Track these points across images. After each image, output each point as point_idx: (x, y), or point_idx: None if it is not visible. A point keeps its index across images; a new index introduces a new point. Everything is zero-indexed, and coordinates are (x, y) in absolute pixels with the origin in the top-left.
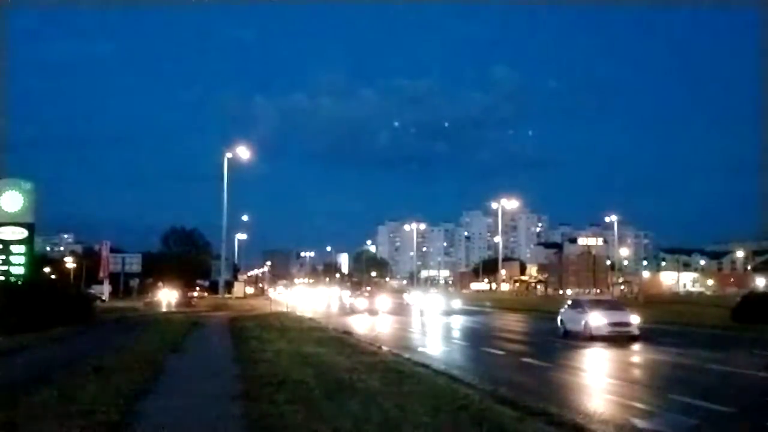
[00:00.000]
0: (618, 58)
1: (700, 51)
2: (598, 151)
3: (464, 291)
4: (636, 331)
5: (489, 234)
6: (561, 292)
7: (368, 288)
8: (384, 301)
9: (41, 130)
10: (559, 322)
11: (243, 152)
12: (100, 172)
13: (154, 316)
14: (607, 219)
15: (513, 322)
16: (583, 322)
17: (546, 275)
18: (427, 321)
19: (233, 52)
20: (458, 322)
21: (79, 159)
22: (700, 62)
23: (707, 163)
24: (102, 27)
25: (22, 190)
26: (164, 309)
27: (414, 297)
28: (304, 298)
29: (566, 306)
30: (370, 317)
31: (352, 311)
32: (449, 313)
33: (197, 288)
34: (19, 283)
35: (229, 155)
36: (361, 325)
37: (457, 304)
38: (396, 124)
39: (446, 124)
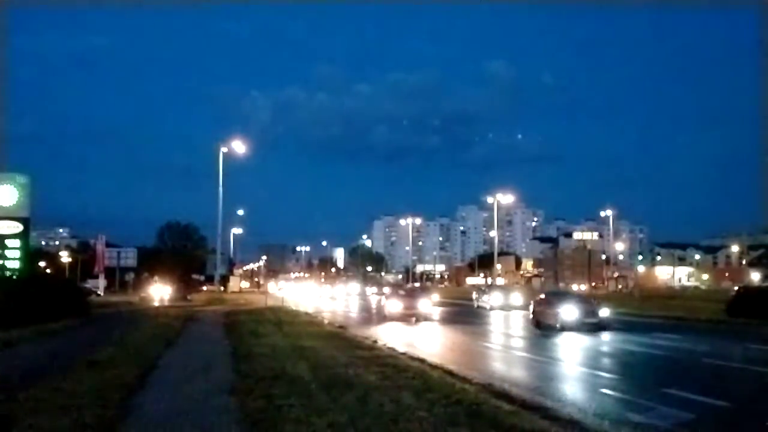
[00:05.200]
0: (614, 55)
1: (695, 47)
2: (594, 146)
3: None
4: None
5: (484, 228)
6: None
7: (416, 285)
8: (425, 303)
9: (37, 124)
10: None
11: (238, 146)
12: (96, 166)
13: (150, 311)
14: (602, 213)
15: None
16: None
17: (542, 269)
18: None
19: (229, 47)
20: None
21: (75, 153)
22: (696, 59)
23: (702, 158)
24: (98, 22)
25: (18, 184)
26: (158, 303)
27: (495, 298)
28: (310, 296)
29: None
30: (415, 327)
31: (382, 316)
32: (593, 327)
33: (203, 283)
34: (15, 277)
35: (224, 149)
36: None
37: (605, 312)
38: (392, 118)
39: (442, 119)
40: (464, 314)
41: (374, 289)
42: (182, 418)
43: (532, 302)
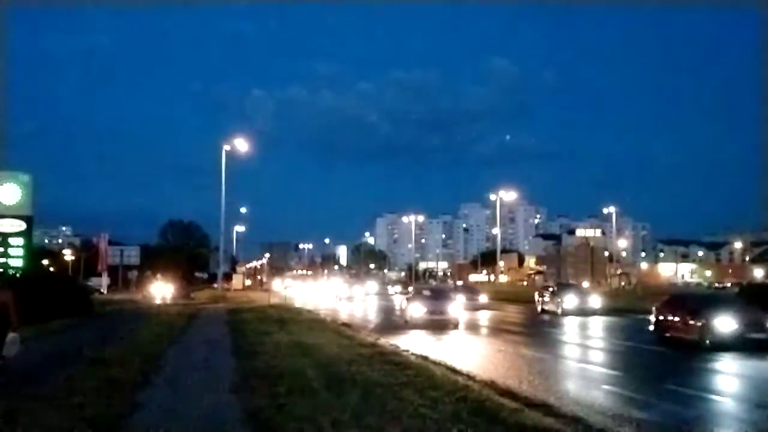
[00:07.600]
0: (616, 52)
1: (697, 46)
2: (597, 143)
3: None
4: None
5: (487, 226)
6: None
7: (459, 283)
8: (456, 307)
9: (40, 122)
10: None
11: (241, 144)
12: (99, 164)
13: (153, 309)
14: (605, 210)
15: None
16: None
17: (544, 267)
18: None
19: (231, 45)
20: None
21: (78, 151)
22: (697, 57)
23: (705, 155)
24: (100, 20)
25: (21, 183)
26: (161, 301)
27: (569, 300)
28: (322, 295)
29: None
30: (453, 339)
31: (403, 322)
32: (760, 344)
33: (206, 281)
34: (18, 275)
35: (227, 148)
36: None
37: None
38: (395, 116)
39: (444, 117)
40: (525, 321)
41: (398, 288)
42: (186, 416)
43: (654, 308)
